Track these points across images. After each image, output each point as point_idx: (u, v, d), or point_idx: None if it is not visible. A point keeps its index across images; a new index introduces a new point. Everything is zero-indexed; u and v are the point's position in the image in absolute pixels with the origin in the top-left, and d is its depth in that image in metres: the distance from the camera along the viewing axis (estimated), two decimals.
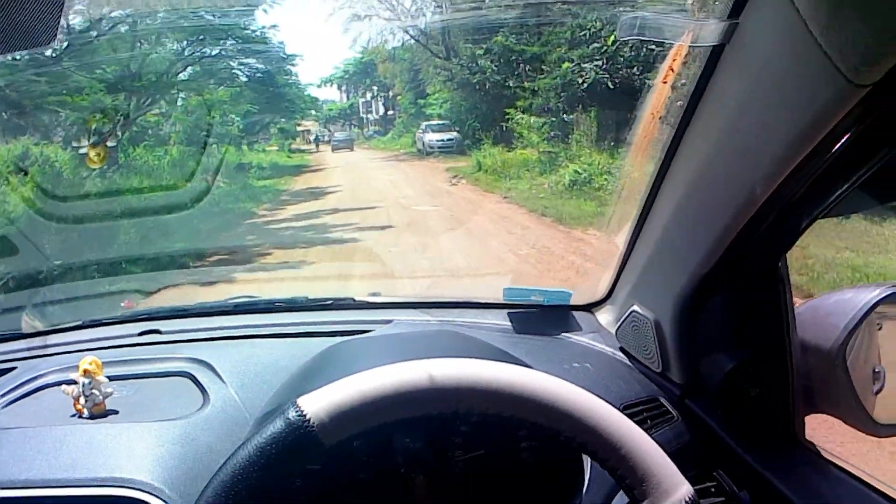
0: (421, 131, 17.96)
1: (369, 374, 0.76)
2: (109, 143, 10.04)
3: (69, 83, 9.93)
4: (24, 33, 0.86)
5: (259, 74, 14.69)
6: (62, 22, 0.84)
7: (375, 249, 7.23)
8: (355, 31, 20.25)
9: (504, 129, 14.38)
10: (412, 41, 18.84)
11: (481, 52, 15.40)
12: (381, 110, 22.30)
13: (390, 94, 21.37)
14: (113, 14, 9.79)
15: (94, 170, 9.50)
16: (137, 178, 10.04)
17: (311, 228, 9.34)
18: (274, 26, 15.27)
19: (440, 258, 6.92)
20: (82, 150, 9.38)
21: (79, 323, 1.72)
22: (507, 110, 14.25)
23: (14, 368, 1.48)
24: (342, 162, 18.78)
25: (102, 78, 10.48)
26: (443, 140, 16.88)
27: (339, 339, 1.39)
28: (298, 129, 20.58)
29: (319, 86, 22.43)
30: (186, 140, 12.35)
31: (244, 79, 14.42)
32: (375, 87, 21.86)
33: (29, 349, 1.60)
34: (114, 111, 10.40)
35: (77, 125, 10.18)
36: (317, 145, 21.07)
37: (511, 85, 14.70)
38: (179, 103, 13.01)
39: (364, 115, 22.84)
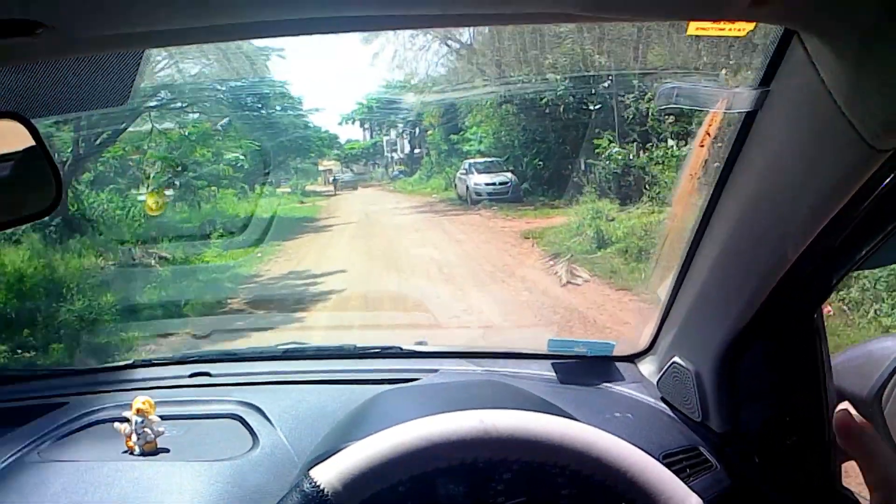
0: (463, 172, 15.79)
1: (375, 438, 0.98)
2: (167, 192, 10.76)
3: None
4: (99, 93, 1.06)
5: (261, 106, 14.57)
6: (135, 84, 1.04)
7: (423, 300, 6.94)
8: (378, 47, 19.22)
9: (590, 169, 11.54)
10: (450, 59, 16.79)
11: (550, 61, 12.03)
12: (407, 148, 22.62)
13: (416, 130, 21.47)
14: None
15: (150, 216, 10.26)
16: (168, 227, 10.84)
17: None
18: (282, 58, 14.16)
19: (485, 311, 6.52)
20: (141, 198, 10.48)
21: (130, 362, 1.97)
22: (597, 141, 11.16)
23: (66, 404, 1.72)
24: (360, 212, 16.19)
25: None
26: (494, 184, 14.43)
27: (386, 387, 1.61)
28: (320, 168, 20.84)
29: (341, 123, 22.76)
30: (165, 182, 11.86)
31: (243, 111, 14.06)
32: (401, 124, 22.08)
33: (81, 385, 1.84)
34: (172, 161, 11.15)
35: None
36: (335, 186, 21.28)
37: (591, 107, 11.79)
38: (151, 137, 11.87)
39: (389, 154, 23.21)
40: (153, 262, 8.97)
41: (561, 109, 12.64)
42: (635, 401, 1.59)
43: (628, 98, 11.01)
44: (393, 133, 22.76)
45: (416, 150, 21.98)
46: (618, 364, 1.71)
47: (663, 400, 1.57)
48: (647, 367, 1.66)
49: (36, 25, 0.72)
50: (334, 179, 21.52)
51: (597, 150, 10.88)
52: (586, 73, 11.60)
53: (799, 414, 1.30)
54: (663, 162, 9.56)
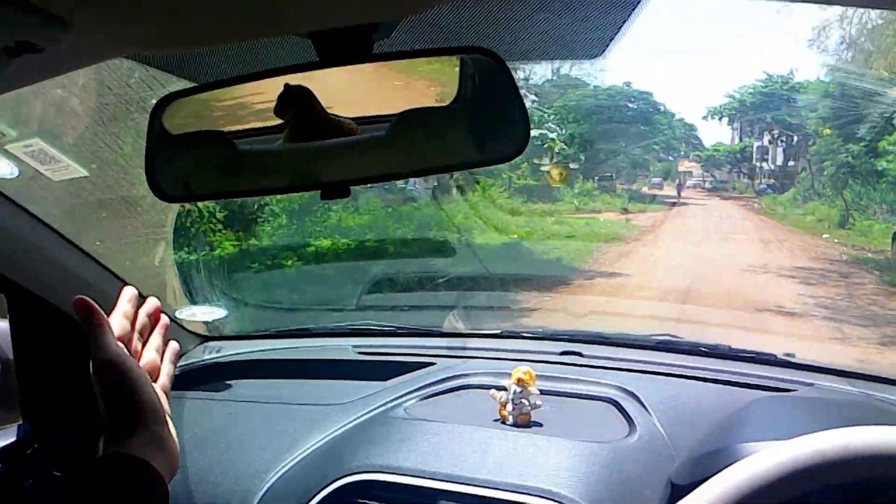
0: None
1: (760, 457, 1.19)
2: (572, 165, 13.17)
3: None
4: (571, 42, 1.15)
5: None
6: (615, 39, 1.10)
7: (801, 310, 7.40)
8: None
9: None
10: None
11: None
12: (781, 158, 21.32)
13: (795, 137, 20.08)
14: None
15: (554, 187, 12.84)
16: None
17: None
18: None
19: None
20: (543, 168, 13.12)
21: (499, 332, 2.28)
22: None
23: (433, 364, 2.03)
24: (686, 253, 12.88)
25: None
26: None
27: (761, 393, 1.83)
28: (680, 170, 20.69)
29: (706, 117, 21.97)
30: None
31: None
32: (777, 129, 20.83)
33: (448, 348, 2.15)
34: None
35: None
36: (679, 192, 20.71)
37: None
38: None
39: (757, 164, 22.12)
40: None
41: None
42: None
43: None
44: (766, 138, 21.63)
45: (790, 163, 20.63)
46: None
47: None
48: None
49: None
50: (679, 184, 20.68)
51: None
52: None
53: None
54: None
